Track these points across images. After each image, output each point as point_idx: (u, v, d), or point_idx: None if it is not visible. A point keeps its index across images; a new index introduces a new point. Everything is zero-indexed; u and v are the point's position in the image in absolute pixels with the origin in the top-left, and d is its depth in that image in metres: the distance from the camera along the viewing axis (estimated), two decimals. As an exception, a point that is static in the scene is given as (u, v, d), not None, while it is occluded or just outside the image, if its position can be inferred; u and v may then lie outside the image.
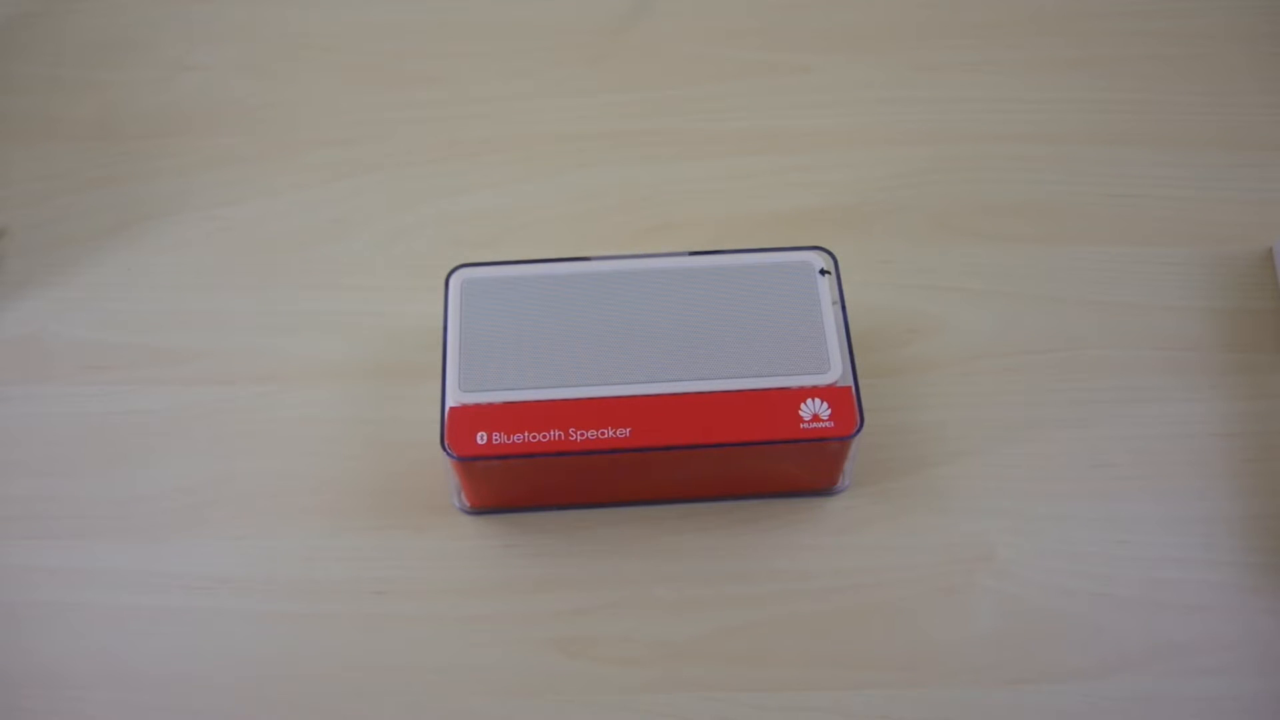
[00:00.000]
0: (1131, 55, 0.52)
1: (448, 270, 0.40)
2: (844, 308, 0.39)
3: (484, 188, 0.51)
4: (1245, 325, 0.45)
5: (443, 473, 0.42)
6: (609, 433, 0.37)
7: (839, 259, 0.40)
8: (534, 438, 0.37)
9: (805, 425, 0.37)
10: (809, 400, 0.37)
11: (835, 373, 0.38)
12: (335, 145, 0.52)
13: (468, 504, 0.41)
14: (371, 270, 0.48)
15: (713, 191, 0.50)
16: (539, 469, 0.38)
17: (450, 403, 0.37)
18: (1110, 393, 0.43)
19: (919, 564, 0.40)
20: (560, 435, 0.37)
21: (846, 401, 0.37)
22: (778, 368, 0.38)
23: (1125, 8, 0.54)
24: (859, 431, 0.37)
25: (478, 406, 0.37)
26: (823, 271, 0.39)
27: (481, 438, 0.37)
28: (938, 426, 0.43)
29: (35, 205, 0.51)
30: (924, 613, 0.39)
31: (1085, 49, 0.53)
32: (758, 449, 0.37)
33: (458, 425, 0.37)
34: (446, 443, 0.37)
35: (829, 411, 0.37)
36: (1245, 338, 0.44)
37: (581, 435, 0.37)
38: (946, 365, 0.44)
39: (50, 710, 0.38)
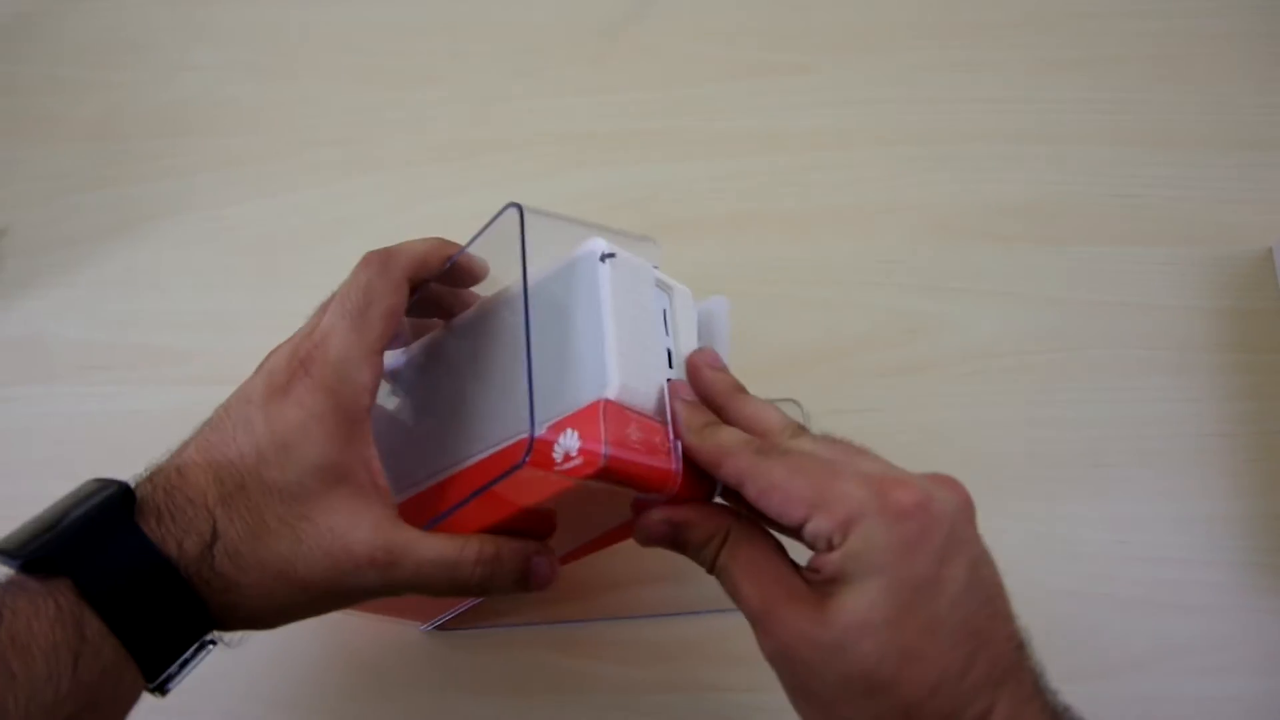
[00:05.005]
0: (1131, 55, 0.52)
1: (448, 270, 0.40)
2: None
3: (484, 188, 0.50)
4: (1245, 325, 0.45)
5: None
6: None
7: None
8: None
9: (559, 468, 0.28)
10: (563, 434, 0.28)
11: (613, 387, 0.29)
12: (335, 145, 0.52)
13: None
14: (371, 270, 0.48)
15: (713, 191, 0.50)
16: None
17: None
18: (1110, 393, 0.43)
19: (919, 564, 0.40)
20: None
21: (592, 425, 0.28)
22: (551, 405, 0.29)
23: (1125, 8, 0.54)
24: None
25: None
26: (604, 256, 0.31)
27: None
28: (938, 426, 0.43)
29: (35, 205, 0.51)
30: (924, 613, 0.39)
31: (1085, 49, 0.53)
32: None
33: None
34: None
35: (578, 445, 0.27)
36: (1245, 338, 0.44)
37: None
38: (946, 365, 0.44)
39: (50, 710, 0.38)
